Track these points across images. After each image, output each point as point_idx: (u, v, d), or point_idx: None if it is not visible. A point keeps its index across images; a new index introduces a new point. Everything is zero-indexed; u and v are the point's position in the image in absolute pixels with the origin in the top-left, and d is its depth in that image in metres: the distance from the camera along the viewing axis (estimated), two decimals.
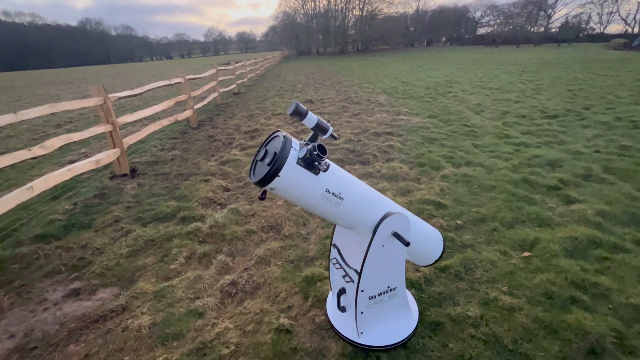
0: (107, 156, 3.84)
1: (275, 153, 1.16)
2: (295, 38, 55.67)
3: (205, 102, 7.87)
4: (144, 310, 1.95)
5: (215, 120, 7.43)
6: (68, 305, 2.06)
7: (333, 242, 1.74)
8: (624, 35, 46.58)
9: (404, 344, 1.61)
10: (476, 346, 1.58)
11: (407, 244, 1.36)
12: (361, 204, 1.37)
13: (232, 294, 2.07)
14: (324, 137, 1.29)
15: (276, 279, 2.17)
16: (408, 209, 1.61)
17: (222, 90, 9.89)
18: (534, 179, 3.43)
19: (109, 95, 3.92)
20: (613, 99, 7.37)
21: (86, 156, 5.12)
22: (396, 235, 1.40)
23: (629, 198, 2.93)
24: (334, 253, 1.74)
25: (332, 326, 1.74)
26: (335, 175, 1.29)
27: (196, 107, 6.97)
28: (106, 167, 4.36)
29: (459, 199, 3.12)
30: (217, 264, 2.35)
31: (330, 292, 1.92)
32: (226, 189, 3.69)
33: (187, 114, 6.40)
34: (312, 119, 1.25)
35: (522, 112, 6.50)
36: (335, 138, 1.35)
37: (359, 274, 1.45)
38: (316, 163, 1.17)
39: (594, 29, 55.84)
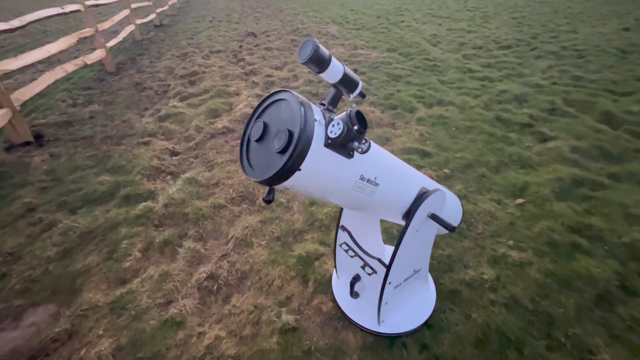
0: None
1: (290, 132, 0.71)
2: None
3: (120, 38, 6.27)
4: (100, 331, 1.51)
5: (139, 62, 6.05)
6: None
7: (341, 224, 1.42)
8: None
9: (427, 323, 1.47)
10: (499, 312, 1.50)
11: (453, 230, 1.10)
12: (397, 187, 1.02)
13: (214, 290, 1.71)
14: (352, 96, 0.86)
15: (264, 263, 1.84)
16: None
17: (139, 21, 7.99)
18: (506, 116, 3.38)
19: None
20: (554, 27, 7.56)
21: None
22: (435, 217, 1.12)
23: (593, 130, 3.03)
24: (343, 237, 1.43)
25: (343, 314, 1.52)
26: (372, 154, 0.90)
27: (109, 45, 5.50)
28: None
29: (440, 144, 2.95)
30: (186, 254, 1.91)
31: (334, 272, 1.67)
32: (174, 153, 3.03)
33: (99, 54, 5.03)
34: (337, 68, 0.80)
35: (478, 43, 6.35)
36: (363, 96, 0.92)
37: (388, 268, 1.18)
38: (356, 143, 0.76)
39: None
